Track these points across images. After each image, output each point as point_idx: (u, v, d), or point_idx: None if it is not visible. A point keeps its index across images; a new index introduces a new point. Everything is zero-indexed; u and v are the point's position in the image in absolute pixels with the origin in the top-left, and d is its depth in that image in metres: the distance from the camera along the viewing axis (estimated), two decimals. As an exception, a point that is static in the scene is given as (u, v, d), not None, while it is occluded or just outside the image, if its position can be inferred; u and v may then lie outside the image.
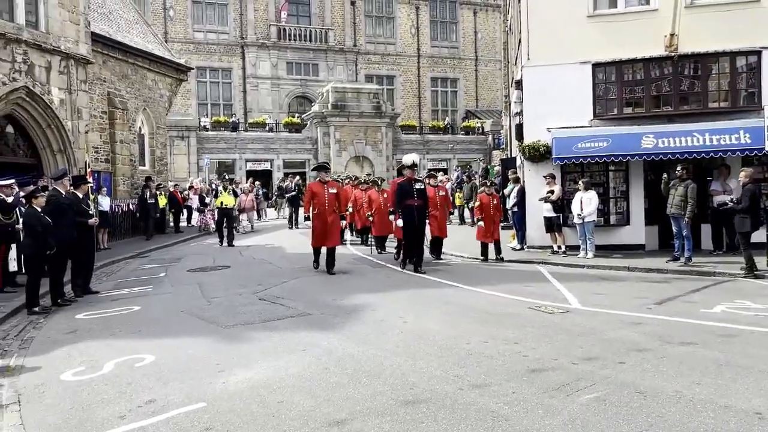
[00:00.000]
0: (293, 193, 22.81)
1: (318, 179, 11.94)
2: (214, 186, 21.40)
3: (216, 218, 18.22)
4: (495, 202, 13.67)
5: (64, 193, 9.71)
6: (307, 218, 11.78)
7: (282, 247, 16.18)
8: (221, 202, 17.15)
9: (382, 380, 5.19)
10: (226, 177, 20.87)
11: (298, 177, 33.17)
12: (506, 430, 4.12)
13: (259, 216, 27.16)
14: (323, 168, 12.18)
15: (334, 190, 11.80)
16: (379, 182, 16.33)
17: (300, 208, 23.04)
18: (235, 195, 18.42)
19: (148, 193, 19.03)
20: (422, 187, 12.13)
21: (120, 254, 15.36)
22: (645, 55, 13.45)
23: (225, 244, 16.72)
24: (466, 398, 4.72)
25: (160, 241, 18.27)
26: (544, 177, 13.63)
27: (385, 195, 14.39)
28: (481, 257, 13.36)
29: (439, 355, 5.88)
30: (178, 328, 7.50)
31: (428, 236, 12.82)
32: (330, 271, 11.35)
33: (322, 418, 4.42)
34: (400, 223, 11.77)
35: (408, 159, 12.45)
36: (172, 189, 22.44)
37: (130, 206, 19.54)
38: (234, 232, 17.64)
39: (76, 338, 7.21)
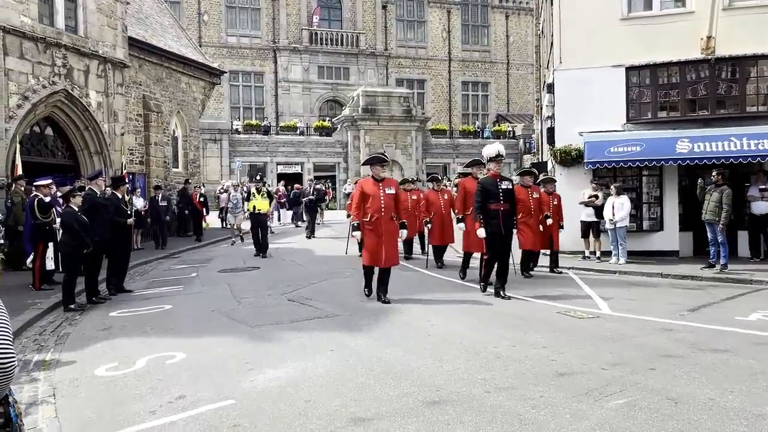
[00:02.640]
0: (311, 197, 20.24)
1: (371, 176, 9.00)
2: (245, 188, 20.34)
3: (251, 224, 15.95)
4: (535, 195, 11.42)
5: (99, 192, 9.95)
6: (355, 228, 8.94)
7: (311, 250, 16.28)
8: (254, 207, 15.37)
9: (409, 382, 5.19)
10: (259, 177, 17.92)
11: (327, 181, 33.45)
12: (533, 434, 4.09)
13: (295, 219, 26.99)
14: (379, 160, 8.97)
15: (393, 191, 8.93)
16: (441, 179, 13.88)
17: (317, 214, 20.67)
18: (270, 198, 16.50)
19: (160, 195, 17.66)
20: (510, 186, 9.44)
21: (153, 254, 15.66)
22: (680, 58, 13.23)
23: (260, 254, 14.90)
24: (492, 401, 4.69)
25: (178, 246, 18.53)
26: (591, 182, 13.39)
27: (446, 197, 12.79)
28: (521, 267, 11.34)
29: (466, 358, 5.86)
30: (208, 327, 7.61)
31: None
32: (384, 299, 8.76)
33: (349, 418, 4.44)
34: (481, 233, 9.06)
35: (491, 149, 9.40)
36: (191, 192, 20.68)
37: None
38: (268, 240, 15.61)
39: (110, 335, 7.37)
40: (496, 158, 9.23)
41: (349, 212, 14.08)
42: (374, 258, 8.81)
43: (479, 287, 9.50)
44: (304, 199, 20.75)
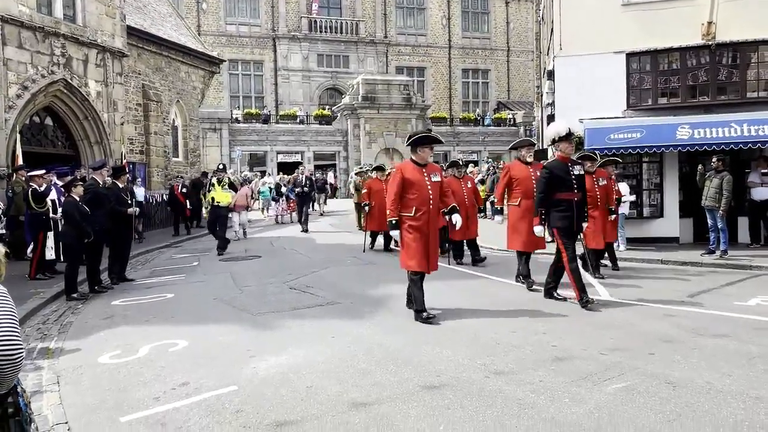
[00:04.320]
0: (304, 188, 18.96)
1: (411, 159, 7.17)
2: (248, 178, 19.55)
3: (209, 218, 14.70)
4: (602, 182, 10.01)
5: (101, 183, 9.98)
6: (394, 225, 7.02)
7: (312, 238, 16.32)
8: (212, 199, 13.95)
9: (410, 368, 5.23)
10: (222, 167, 15.62)
11: (327, 170, 33.23)
12: (532, 418, 4.13)
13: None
14: (431, 140, 7.22)
15: (438, 178, 7.17)
16: (461, 164, 12.56)
17: (310, 206, 19.67)
18: (234, 189, 14.95)
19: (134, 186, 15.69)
20: (582, 172, 7.97)
21: (154, 243, 15.70)
22: (681, 44, 13.19)
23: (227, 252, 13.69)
24: (492, 386, 4.74)
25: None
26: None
27: (469, 185, 11.78)
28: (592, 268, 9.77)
29: (466, 344, 5.90)
30: (210, 315, 7.65)
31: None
32: (424, 316, 6.91)
33: (350, 403, 4.49)
34: (539, 231, 7.67)
35: (561, 127, 7.74)
36: (173, 184, 19.39)
37: (164, 197, 19.90)
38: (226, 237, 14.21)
39: (113, 323, 7.42)
40: (568, 137, 7.58)
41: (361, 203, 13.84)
42: (423, 262, 6.99)
43: (553, 296, 7.94)
44: (296, 189, 19.38)
